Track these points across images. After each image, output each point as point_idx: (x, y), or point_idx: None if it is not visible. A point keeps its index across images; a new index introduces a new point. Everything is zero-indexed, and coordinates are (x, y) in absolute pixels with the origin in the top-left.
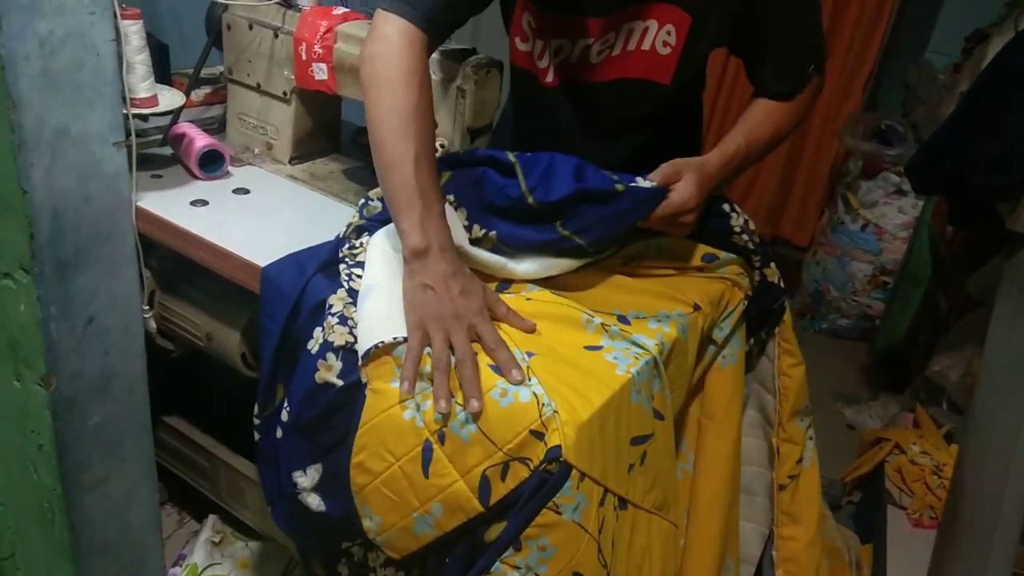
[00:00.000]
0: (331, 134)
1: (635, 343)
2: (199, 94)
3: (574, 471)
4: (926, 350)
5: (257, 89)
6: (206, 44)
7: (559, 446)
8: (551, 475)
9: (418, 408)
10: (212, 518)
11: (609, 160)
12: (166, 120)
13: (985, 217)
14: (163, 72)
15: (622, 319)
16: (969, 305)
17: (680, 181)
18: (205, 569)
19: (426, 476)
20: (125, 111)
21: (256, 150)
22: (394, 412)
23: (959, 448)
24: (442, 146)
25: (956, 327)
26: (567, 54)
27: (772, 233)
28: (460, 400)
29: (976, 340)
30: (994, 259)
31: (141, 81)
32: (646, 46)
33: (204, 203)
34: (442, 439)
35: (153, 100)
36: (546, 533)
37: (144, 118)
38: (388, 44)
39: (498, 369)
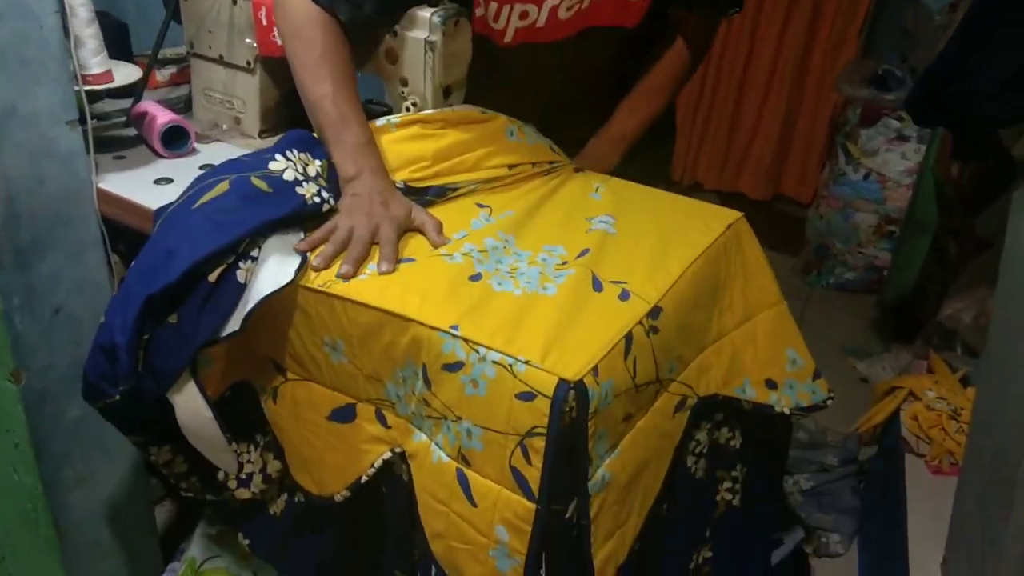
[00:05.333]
0: (301, 104)
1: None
2: (164, 74)
3: (586, 378)
4: (936, 297)
5: (220, 61)
6: (165, 17)
7: (559, 379)
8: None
9: (438, 445)
10: (208, 511)
11: (567, 109)
12: (128, 103)
13: (990, 149)
14: (124, 53)
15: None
16: (979, 248)
17: None
18: (204, 562)
19: (475, 505)
20: (77, 88)
21: (224, 126)
22: (427, 460)
23: (976, 391)
24: (414, 104)
25: (967, 269)
26: (533, 19)
27: (773, 191)
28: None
29: (988, 281)
30: (1002, 198)
31: (92, 56)
32: None
33: (169, 181)
34: (467, 461)
35: (107, 76)
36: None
37: (99, 95)
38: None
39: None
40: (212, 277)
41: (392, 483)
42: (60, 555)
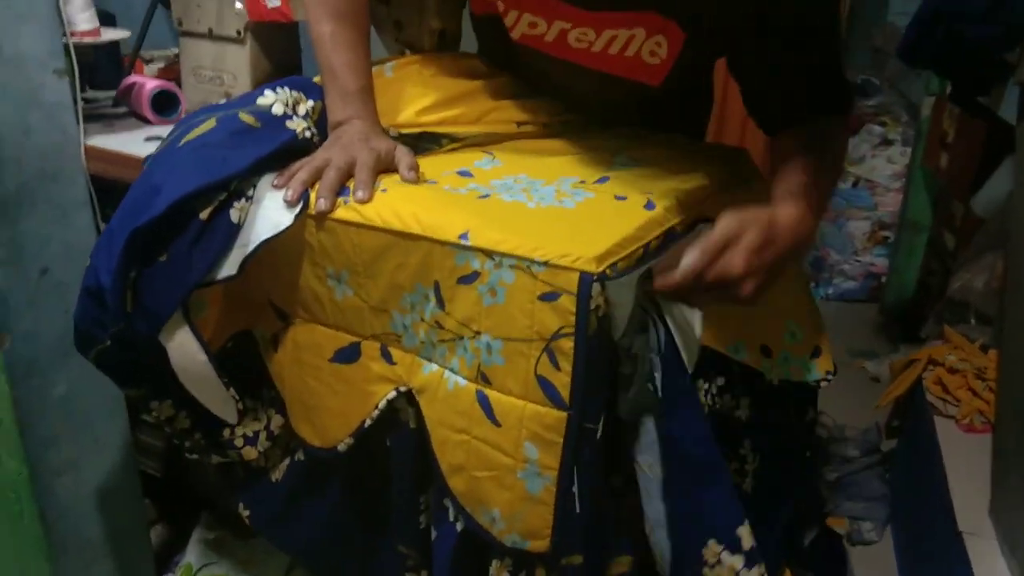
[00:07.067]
0: (293, 76)
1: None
2: (152, 69)
3: (608, 274)
4: (939, 290)
5: (209, 35)
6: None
7: (582, 273)
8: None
9: (452, 370)
10: (204, 516)
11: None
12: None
13: (986, 83)
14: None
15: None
16: (977, 228)
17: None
18: (201, 569)
19: (499, 425)
20: (65, 40)
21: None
22: (440, 390)
23: (1000, 350)
24: (409, 47)
25: (969, 243)
26: (542, 32)
27: None
28: None
29: (994, 248)
30: (995, 174)
31: (81, 11)
32: (630, 52)
33: (160, 139)
34: (487, 380)
35: (95, 32)
36: None
37: (88, 52)
38: None
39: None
40: (203, 215)
41: (397, 434)
42: (46, 552)
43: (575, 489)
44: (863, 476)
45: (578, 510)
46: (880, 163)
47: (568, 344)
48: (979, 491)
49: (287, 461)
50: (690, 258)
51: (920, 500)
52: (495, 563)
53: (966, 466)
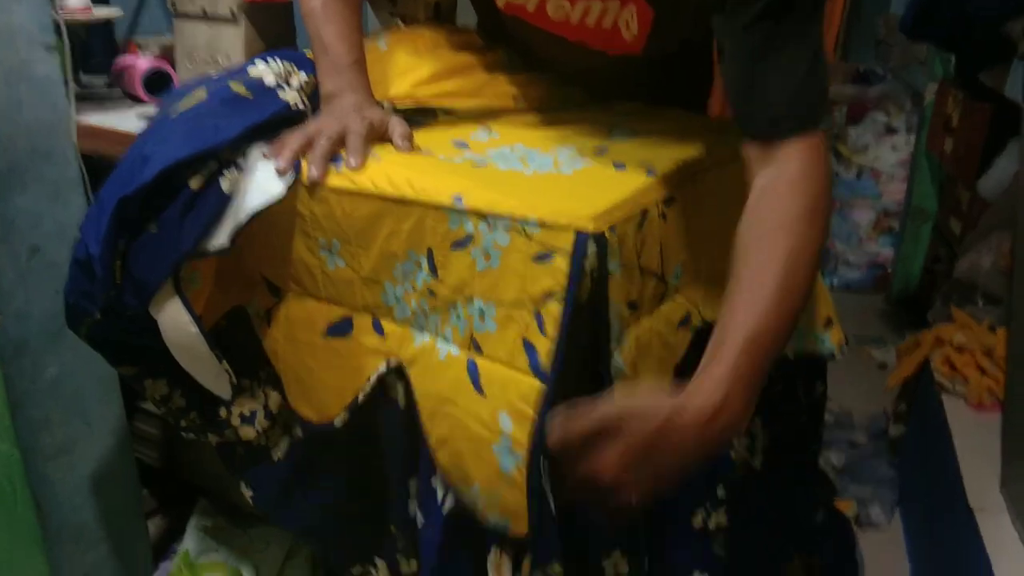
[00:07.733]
0: None
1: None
2: (147, 55)
3: (606, 235)
4: (945, 278)
5: (203, 16)
6: None
7: (577, 231)
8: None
9: (445, 339)
10: (202, 503)
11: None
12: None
13: (989, 58)
14: (107, 38)
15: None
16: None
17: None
18: (198, 556)
19: (483, 394)
20: (55, 16)
21: None
22: (432, 360)
23: (1009, 325)
24: (403, 20)
25: (980, 222)
26: (524, 0)
27: None
28: None
29: (1000, 228)
30: (1001, 155)
31: None
32: (607, 24)
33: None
34: (478, 347)
35: (87, 10)
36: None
37: (81, 31)
38: None
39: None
40: (194, 185)
41: (388, 411)
42: (39, 538)
43: (545, 482)
44: (871, 460)
45: (552, 508)
46: (884, 151)
47: (556, 308)
48: (989, 467)
49: (287, 440)
50: (555, 432)
51: (930, 479)
52: (494, 550)
53: (976, 443)
